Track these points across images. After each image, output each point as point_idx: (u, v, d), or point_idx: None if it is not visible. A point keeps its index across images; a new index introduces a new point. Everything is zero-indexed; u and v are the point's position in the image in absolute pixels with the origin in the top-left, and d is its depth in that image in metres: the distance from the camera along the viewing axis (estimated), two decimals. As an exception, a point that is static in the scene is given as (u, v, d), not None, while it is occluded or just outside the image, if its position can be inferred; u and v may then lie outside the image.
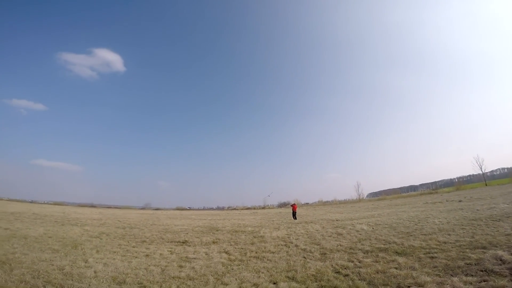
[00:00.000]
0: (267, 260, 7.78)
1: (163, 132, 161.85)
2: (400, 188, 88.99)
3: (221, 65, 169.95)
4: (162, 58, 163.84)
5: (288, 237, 11.78)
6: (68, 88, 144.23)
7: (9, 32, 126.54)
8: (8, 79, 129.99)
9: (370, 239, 9.93)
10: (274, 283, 5.65)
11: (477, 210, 15.76)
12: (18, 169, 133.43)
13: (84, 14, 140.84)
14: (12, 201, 64.84)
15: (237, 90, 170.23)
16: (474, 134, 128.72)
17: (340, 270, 6.35)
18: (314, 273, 6.24)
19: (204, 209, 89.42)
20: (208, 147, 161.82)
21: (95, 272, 6.34)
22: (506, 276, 4.95)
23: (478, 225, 10.74)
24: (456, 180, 79.58)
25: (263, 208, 75.30)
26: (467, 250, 7.09)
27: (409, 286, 4.97)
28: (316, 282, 5.63)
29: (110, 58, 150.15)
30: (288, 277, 6.05)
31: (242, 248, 9.69)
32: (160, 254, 8.81)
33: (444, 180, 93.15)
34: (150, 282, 5.73)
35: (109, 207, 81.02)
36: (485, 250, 6.81)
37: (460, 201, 24.78)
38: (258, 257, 8.14)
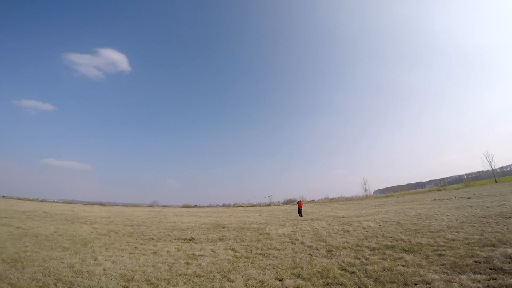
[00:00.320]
0: (273, 257, 7.81)
1: (170, 130, 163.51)
2: (408, 185, 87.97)
3: (225, 63, 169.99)
4: (167, 57, 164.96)
5: (294, 234, 11.79)
6: (75, 88, 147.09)
7: (15, 34, 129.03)
8: (16, 80, 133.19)
9: (377, 236, 9.87)
10: (279, 280, 5.67)
11: (486, 207, 15.50)
12: (28, 169, 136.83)
13: (87, 14, 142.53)
14: (23, 200, 66.36)
15: (241, 87, 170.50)
16: (483, 130, 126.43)
17: (347, 267, 6.34)
18: (320, 270, 6.24)
19: (210, 206, 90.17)
20: (214, 144, 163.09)
21: (104, 269, 6.45)
22: (515, 274, 4.88)
23: (487, 222, 10.57)
24: (465, 177, 78.43)
25: (269, 205, 75.45)
26: (476, 247, 6.99)
27: (416, 284, 4.93)
28: (322, 279, 5.63)
29: (115, 58, 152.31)
30: (294, 274, 6.06)
31: (247, 245, 9.75)
32: (168, 251, 8.92)
33: (452, 176, 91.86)
34: (158, 279, 5.81)
35: (117, 205, 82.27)
36: (494, 248, 6.70)
37: (469, 198, 24.40)
38: (264, 254, 8.17)
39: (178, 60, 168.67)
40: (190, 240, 11.30)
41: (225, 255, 8.19)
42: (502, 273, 5.02)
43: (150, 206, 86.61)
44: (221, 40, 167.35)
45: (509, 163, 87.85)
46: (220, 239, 11.32)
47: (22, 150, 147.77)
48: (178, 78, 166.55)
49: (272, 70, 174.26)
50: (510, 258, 5.72)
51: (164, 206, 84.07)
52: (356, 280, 5.42)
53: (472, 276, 5.04)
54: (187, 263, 7.24)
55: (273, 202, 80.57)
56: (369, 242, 9.04)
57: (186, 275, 6.15)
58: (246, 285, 5.47)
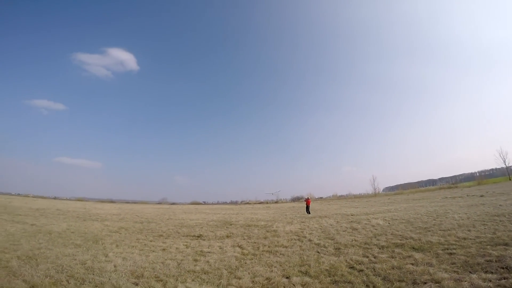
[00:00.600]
0: (280, 254, 7.84)
1: (178, 128, 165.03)
2: (418, 182, 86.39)
3: (232, 61, 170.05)
4: (174, 56, 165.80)
5: (302, 232, 11.78)
6: (85, 88, 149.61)
7: (26, 34, 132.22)
8: (28, 80, 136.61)
9: (386, 234, 9.77)
10: (287, 278, 5.69)
11: (500, 205, 15.13)
12: (42, 167, 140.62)
13: (94, 13, 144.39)
14: (37, 198, 68.30)
15: (248, 84, 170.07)
16: (497, 126, 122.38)
17: (355, 265, 6.30)
18: (327, 268, 6.23)
19: (218, 203, 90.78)
20: (221, 142, 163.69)
21: (114, 266, 6.60)
22: (529, 274, 4.76)
23: (500, 221, 10.32)
24: (478, 174, 76.47)
25: (276, 202, 75.53)
26: (488, 246, 6.84)
27: (425, 283, 4.87)
28: (329, 277, 5.62)
29: (124, 57, 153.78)
30: (301, 271, 6.07)
31: (255, 242, 9.80)
32: (176, 248, 9.05)
33: (464, 174, 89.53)
34: (167, 275, 5.91)
35: (127, 202, 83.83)
36: (507, 247, 6.55)
37: (481, 196, 23.82)
38: (271, 251, 8.20)
39: (186, 58, 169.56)
40: (198, 237, 11.43)
41: (233, 252, 8.26)
42: (515, 272, 4.91)
43: (159, 203, 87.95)
44: (228, 37, 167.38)
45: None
46: (227, 236, 11.42)
47: (36, 149, 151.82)
48: (185, 76, 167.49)
49: (277, 67, 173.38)
50: (523, 257, 5.58)
51: (173, 203, 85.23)
52: (364, 278, 5.39)
53: (483, 275, 4.94)
54: (195, 260, 7.34)
55: (281, 199, 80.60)
56: (378, 240, 8.96)
57: (194, 271, 6.24)
58: (253, 282, 5.50)
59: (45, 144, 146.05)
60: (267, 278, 5.66)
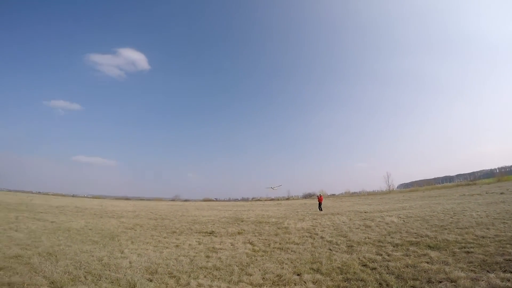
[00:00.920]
0: (291, 251, 7.83)
1: (190, 126, 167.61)
2: (434, 179, 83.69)
3: (240, 56, 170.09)
4: (183, 54, 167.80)
5: (313, 229, 11.72)
6: (99, 88, 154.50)
7: (41, 37, 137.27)
8: (45, 82, 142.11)
9: (401, 232, 9.58)
10: (298, 275, 5.68)
11: (521, 202, 14.49)
12: (60, 166, 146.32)
13: (103, 14, 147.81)
14: (57, 196, 71.16)
15: (257, 81, 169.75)
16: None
17: (368, 263, 6.22)
18: (339, 265, 6.17)
19: (229, 200, 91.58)
20: (233, 139, 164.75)
21: (130, 262, 6.77)
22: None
23: (522, 218, 9.90)
24: (498, 171, 73.37)
25: (287, 199, 75.45)
26: (508, 245, 6.59)
27: (440, 281, 4.74)
28: (341, 274, 5.57)
29: (135, 57, 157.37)
30: (312, 269, 6.04)
31: (266, 239, 9.83)
32: (189, 244, 9.20)
33: (483, 170, 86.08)
34: (180, 272, 6.02)
35: (142, 199, 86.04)
36: (529, 246, 6.28)
37: (501, 193, 22.91)
38: (282, 248, 8.21)
39: (195, 57, 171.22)
40: (210, 233, 11.58)
41: (244, 249, 8.32)
42: (537, 272, 4.70)
43: (173, 200, 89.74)
44: (237, 33, 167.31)
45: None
46: (239, 233, 11.51)
47: (55, 148, 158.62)
48: (195, 74, 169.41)
49: (287, 62, 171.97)
50: (546, 256, 5.34)
51: (186, 200, 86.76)
52: (377, 276, 5.31)
53: (502, 274, 4.78)
54: (208, 256, 7.44)
55: (292, 196, 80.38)
56: (392, 238, 8.79)
57: (206, 268, 6.33)
58: (264, 278, 5.53)
59: (63, 143, 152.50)
60: (278, 275, 5.67)
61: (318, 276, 5.52)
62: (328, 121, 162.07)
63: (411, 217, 13.46)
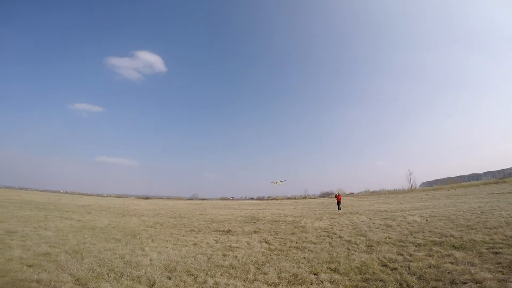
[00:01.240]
0: (308, 250, 7.74)
1: (207, 126, 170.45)
2: (460, 177, 79.47)
3: (258, 57, 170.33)
4: (198, 55, 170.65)
5: (331, 228, 11.53)
6: (119, 90, 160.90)
7: (64, 44, 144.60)
8: (68, 86, 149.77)
9: (424, 232, 9.22)
10: (314, 274, 5.61)
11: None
12: (85, 166, 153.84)
13: (119, 18, 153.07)
14: (82, 195, 74.78)
15: (275, 81, 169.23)
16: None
17: (388, 263, 6.04)
18: (358, 265, 6.03)
19: (245, 199, 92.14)
20: (248, 138, 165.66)
21: (150, 260, 6.97)
22: None
23: (557, 218, 9.20)
24: (530, 168, 68.40)
25: (304, 198, 74.69)
26: (542, 246, 6.14)
27: (465, 283, 4.51)
28: (360, 274, 5.44)
29: (152, 60, 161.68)
30: (330, 268, 5.95)
31: (282, 238, 9.79)
32: (207, 243, 9.35)
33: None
34: (197, 270, 6.13)
35: (162, 198, 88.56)
36: None
37: (535, 190, 21.41)
38: (299, 248, 8.13)
39: (209, 57, 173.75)
40: (227, 232, 11.70)
41: (260, 248, 8.34)
42: None
43: (191, 198, 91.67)
44: (250, 32, 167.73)
45: None
46: (255, 232, 11.54)
47: (79, 149, 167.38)
48: (211, 75, 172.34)
49: (306, 61, 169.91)
50: None
51: (203, 199, 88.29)
52: (398, 276, 5.14)
53: (534, 276, 4.45)
54: (224, 255, 7.53)
55: (309, 195, 79.49)
56: (414, 237, 8.47)
57: (223, 266, 6.40)
58: (279, 277, 5.51)
59: (87, 144, 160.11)
60: (293, 274, 5.63)
61: (336, 275, 5.43)
62: (348, 120, 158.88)
63: (435, 216, 12.90)
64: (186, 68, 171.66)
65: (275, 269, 6.04)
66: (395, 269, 5.60)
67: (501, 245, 6.56)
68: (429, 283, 4.65)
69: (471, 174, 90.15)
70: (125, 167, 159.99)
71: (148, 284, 5.19)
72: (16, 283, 4.90)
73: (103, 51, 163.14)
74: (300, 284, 5.11)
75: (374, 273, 5.44)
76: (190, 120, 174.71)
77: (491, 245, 6.71)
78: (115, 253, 7.58)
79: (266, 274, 5.75)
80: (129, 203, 40.22)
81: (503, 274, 4.73)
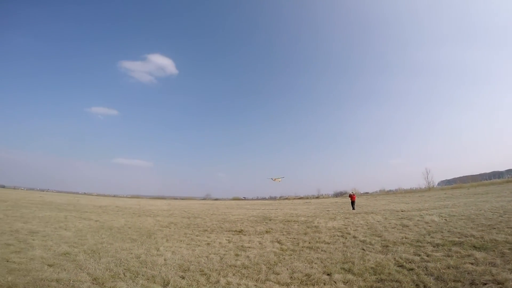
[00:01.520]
0: (321, 250, 7.65)
1: (219, 126, 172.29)
2: (480, 175, 76.24)
3: (266, 55, 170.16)
4: (209, 56, 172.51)
5: (346, 228, 11.35)
6: (133, 93, 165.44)
7: (81, 53, 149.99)
8: (85, 90, 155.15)
9: (442, 232, 8.92)
10: (328, 275, 5.53)
11: None
12: (102, 168, 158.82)
13: (130, 23, 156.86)
14: (99, 196, 77.13)
15: (287, 79, 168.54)
16: None
17: (404, 263, 5.88)
18: (373, 265, 5.91)
19: (257, 199, 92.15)
20: (261, 137, 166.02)
21: (165, 260, 7.10)
22: None
23: None
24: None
25: (317, 197, 73.91)
26: None
27: (485, 283, 4.33)
28: (375, 275, 5.32)
29: (163, 63, 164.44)
30: (343, 268, 5.85)
31: (294, 238, 9.73)
32: (220, 243, 9.42)
33: (539, 165, 76.09)
34: (210, 269, 6.19)
35: (176, 198, 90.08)
36: None
37: None
38: (312, 248, 8.05)
39: (219, 57, 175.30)
40: (239, 232, 11.74)
41: (272, 248, 8.32)
42: None
43: (204, 199, 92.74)
44: (260, 32, 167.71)
45: None
46: (267, 232, 11.52)
47: (96, 151, 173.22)
48: (223, 75, 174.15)
49: (315, 59, 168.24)
50: None
51: (216, 199, 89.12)
52: (414, 277, 4.99)
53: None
54: (237, 255, 7.56)
55: (322, 195, 78.59)
56: (432, 237, 8.21)
57: (235, 266, 6.43)
58: (292, 278, 5.48)
59: (104, 146, 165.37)
60: (306, 275, 5.58)
61: (350, 276, 5.33)
62: (361, 118, 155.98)
63: (454, 215, 12.45)
64: (197, 70, 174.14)
65: (287, 269, 6.01)
66: (412, 269, 5.44)
67: (525, 246, 6.25)
68: (447, 284, 4.49)
69: (492, 172, 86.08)
70: (141, 168, 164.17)
71: (162, 284, 5.29)
72: (37, 283, 5.08)
73: (117, 55, 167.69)
74: (313, 285, 5.05)
75: (389, 273, 5.31)
76: (202, 121, 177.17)
77: (514, 245, 6.39)
78: (131, 253, 7.76)
79: (278, 274, 5.73)
80: (144, 204, 41.13)
81: (527, 275, 4.50)
